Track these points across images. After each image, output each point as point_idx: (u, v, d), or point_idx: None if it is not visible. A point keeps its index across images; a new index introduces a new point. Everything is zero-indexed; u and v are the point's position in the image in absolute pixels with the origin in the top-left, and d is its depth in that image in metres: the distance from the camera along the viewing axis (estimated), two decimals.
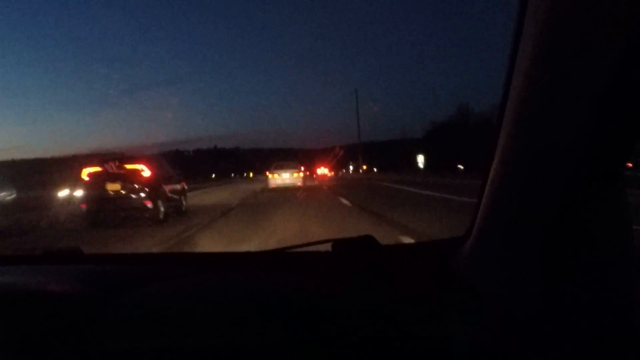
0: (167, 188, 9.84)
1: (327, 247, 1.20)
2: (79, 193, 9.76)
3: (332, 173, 58.95)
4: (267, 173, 21.66)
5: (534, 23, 0.67)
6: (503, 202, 0.82)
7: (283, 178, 20.39)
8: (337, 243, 1.18)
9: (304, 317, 0.94)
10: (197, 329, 0.93)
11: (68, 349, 0.91)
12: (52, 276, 1.21)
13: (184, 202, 10.87)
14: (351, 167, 68.16)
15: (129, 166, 9.22)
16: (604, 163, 0.63)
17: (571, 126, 0.63)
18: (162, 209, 9.21)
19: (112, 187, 9.03)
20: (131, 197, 8.98)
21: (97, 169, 9.27)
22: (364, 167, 63.88)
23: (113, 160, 9.41)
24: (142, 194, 9.00)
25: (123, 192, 9.00)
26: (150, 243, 6.65)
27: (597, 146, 0.61)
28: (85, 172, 9.29)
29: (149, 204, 8.90)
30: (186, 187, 11.56)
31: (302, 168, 22.15)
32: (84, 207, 9.14)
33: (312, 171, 55.85)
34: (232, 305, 1.00)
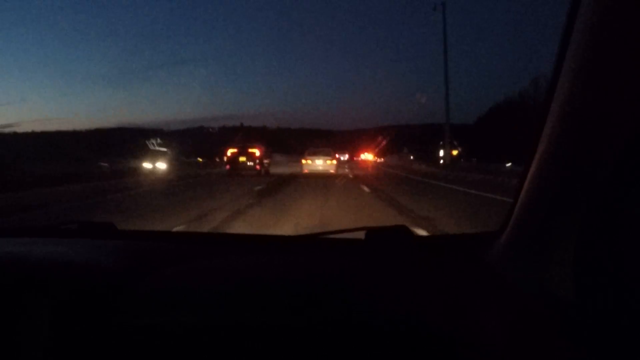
0: (264, 160, 22.23)
1: (360, 234, 1.21)
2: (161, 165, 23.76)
3: (380, 158, 52.67)
4: (301, 159, 22.26)
5: (586, 18, 0.67)
6: (542, 198, 0.81)
7: (316, 164, 21.11)
8: (370, 231, 1.19)
9: (334, 303, 0.94)
10: (227, 308, 0.95)
11: (97, 323, 0.92)
12: (85, 250, 1.21)
13: (269, 168, 23.15)
14: (405, 150, 60.26)
15: (249, 149, 21.34)
16: None
17: (618, 123, 0.62)
18: (262, 170, 21.32)
19: (242, 158, 21.13)
20: (249, 163, 21.03)
21: (235, 150, 21.50)
22: (454, 152, 41.81)
23: (242, 146, 21.68)
24: (254, 162, 21.06)
25: (246, 161, 21.01)
26: (256, 181, 15.80)
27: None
28: (229, 151, 21.65)
29: (258, 167, 21.06)
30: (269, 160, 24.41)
31: (336, 155, 23.50)
32: (227, 167, 21.51)
33: (352, 156, 50.94)
34: (264, 287, 1.01)
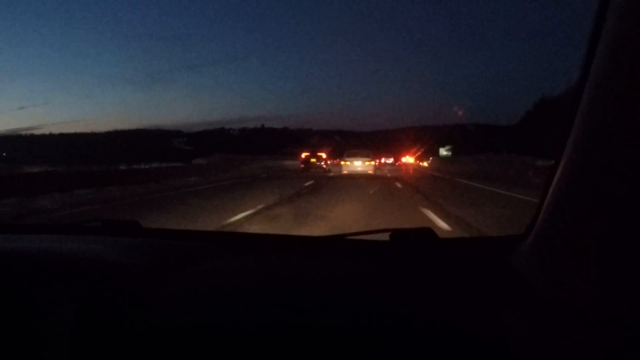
0: (328, 161, 32.16)
1: (385, 236, 1.21)
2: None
3: (422, 162, 48.14)
4: (340, 161, 22.95)
5: (615, 17, 0.66)
6: (568, 202, 0.80)
7: (355, 165, 21.23)
8: (395, 233, 1.18)
9: (360, 304, 0.93)
10: (251, 308, 0.94)
11: (121, 321, 0.92)
12: (110, 247, 1.21)
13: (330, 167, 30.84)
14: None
15: (318, 153, 30.25)
16: None
17: None
18: (329, 168, 29.87)
19: (313, 159, 29.73)
20: (319, 164, 29.33)
21: (307, 153, 30.38)
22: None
23: (313, 151, 30.92)
24: (322, 162, 29.65)
25: (316, 162, 29.46)
26: (323, 175, 22.41)
27: None
28: (304, 154, 30.62)
29: (325, 167, 29.62)
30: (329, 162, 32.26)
31: (382, 159, 27.12)
32: (301, 166, 29.68)
33: (397, 159, 47.18)
34: (288, 287, 1.01)
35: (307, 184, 16.15)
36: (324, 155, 29.57)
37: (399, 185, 15.90)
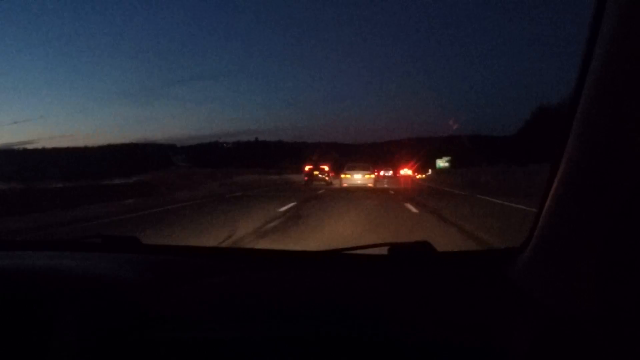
0: (330, 173, 31.25)
1: (383, 250, 1.21)
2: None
3: (420, 174, 48.31)
4: (340, 174, 23.10)
5: (610, 25, 0.66)
6: (565, 214, 0.80)
7: (355, 178, 21.75)
8: (393, 247, 1.19)
9: (358, 319, 0.93)
10: (249, 324, 0.95)
11: (120, 337, 0.92)
12: (110, 264, 1.21)
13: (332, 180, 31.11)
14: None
15: (321, 166, 30.54)
16: None
17: None
18: (331, 180, 30.06)
19: (316, 172, 30.02)
20: (321, 176, 29.64)
21: (311, 166, 30.91)
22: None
23: (316, 163, 31.43)
24: (325, 175, 29.82)
25: (319, 174, 29.75)
26: (325, 187, 23.54)
27: None
28: (307, 167, 31.30)
29: (328, 179, 29.68)
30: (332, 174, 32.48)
31: (381, 172, 27.19)
32: (305, 179, 30.24)
33: (396, 171, 46.62)
34: (287, 302, 1.01)
35: (283, 208, 10.81)
36: (326, 168, 30.52)
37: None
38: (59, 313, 0.94)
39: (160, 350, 0.92)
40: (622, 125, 0.66)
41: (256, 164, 58.82)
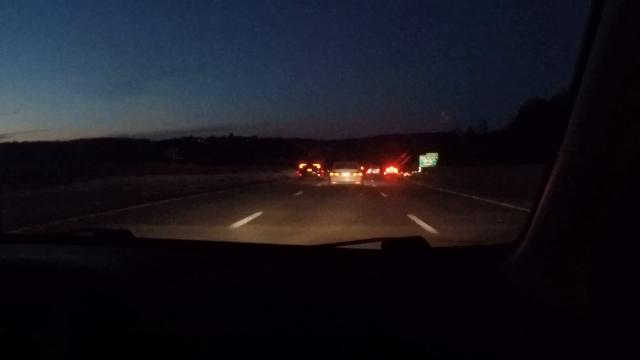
0: (321, 171, 36.80)
1: (376, 245, 1.20)
2: None
3: (405, 173, 46.55)
4: (329, 172, 23.48)
5: (607, 27, 0.66)
6: (559, 212, 0.80)
7: (343, 177, 22.06)
8: (387, 242, 1.18)
9: (351, 314, 0.93)
10: (240, 318, 0.94)
11: (112, 329, 0.92)
12: (101, 257, 1.21)
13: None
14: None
15: (314, 164, 37.54)
16: None
17: (637, 137, 0.62)
18: (322, 176, 34.58)
19: (309, 169, 36.65)
20: (314, 172, 36.05)
21: (305, 164, 37.56)
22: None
23: (309, 162, 37.92)
24: (317, 172, 36.24)
25: (312, 171, 36.30)
26: (318, 182, 26.61)
27: None
28: (301, 165, 38.08)
29: (320, 175, 35.46)
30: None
31: (369, 170, 29.94)
32: (299, 174, 36.40)
33: (382, 169, 45.73)
34: (279, 298, 1.01)
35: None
36: (318, 166, 34.33)
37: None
38: (50, 306, 0.94)
39: (151, 344, 0.93)
40: (617, 126, 0.66)
41: (232, 161, 57.07)
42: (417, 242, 1.18)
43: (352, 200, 12.51)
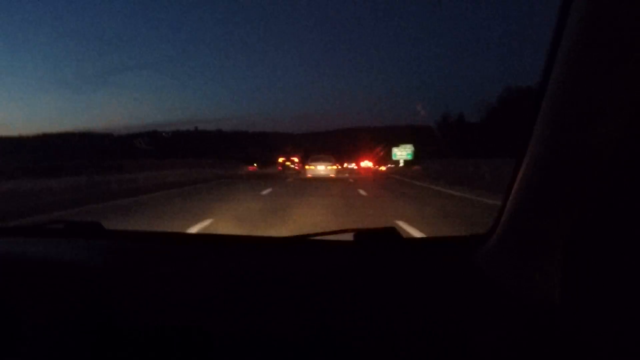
0: (299, 165, 45.18)
1: (349, 236, 1.20)
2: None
3: (380, 167, 45.77)
4: (305, 165, 24.00)
5: (577, 17, 0.67)
6: (531, 201, 0.81)
7: (318, 169, 22.42)
8: (359, 233, 1.19)
9: (322, 305, 0.93)
10: (213, 310, 0.94)
11: (84, 323, 0.92)
12: (72, 250, 1.20)
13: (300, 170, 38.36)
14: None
15: (292, 158, 49.81)
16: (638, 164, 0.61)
17: (608, 126, 0.63)
18: (300, 170, 37.88)
19: (288, 163, 50.13)
20: (292, 166, 47.97)
21: (284, 158, 50.52)
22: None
23: (288, 156, 50.00)
24: (295, 165, 46.70)
25: (290, 165, 48.90)
26: (295, 175, 27.82)
27: (633, 146, 0.60)
28: (280, 159, 51.52)
29: (298, 168, 44.91)
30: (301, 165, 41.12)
31: (345, 164, 32.06)
32: (280, 168, 46.03)
33: (357, 164, 47.68)
34: (251, 289, 1.00)
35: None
36: (296, 160, 37.96)
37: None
38: (20, 300, 0.93)
39: (123, 337, 0.91)
40: (587, 117, 0.67)
41: (199, 155, 51.15)
42: (390, 232, 1.19)
43: (326, 193, 12.19)
